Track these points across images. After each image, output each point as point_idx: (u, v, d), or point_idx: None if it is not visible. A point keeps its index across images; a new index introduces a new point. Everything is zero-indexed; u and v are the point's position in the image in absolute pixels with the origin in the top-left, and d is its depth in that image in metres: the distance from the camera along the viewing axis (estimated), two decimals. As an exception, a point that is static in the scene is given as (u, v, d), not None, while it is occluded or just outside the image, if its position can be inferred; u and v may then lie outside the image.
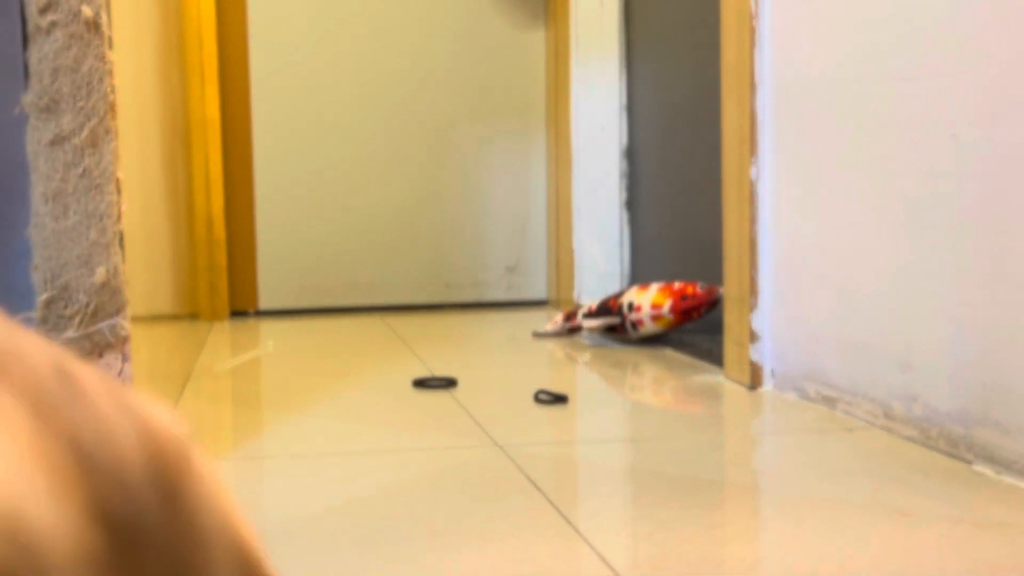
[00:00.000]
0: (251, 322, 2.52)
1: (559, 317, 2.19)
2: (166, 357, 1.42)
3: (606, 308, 2.05)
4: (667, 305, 1.93)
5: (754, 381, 1.59)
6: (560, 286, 2.64)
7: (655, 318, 1.95)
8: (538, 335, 2.20)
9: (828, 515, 1.01)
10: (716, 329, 1.99)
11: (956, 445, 1.18)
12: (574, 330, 2.14)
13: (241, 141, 2.63)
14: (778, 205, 1.55)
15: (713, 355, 1.81)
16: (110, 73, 1.03)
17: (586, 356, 1.94)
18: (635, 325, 1.99)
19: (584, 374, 1.78)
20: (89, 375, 0.30)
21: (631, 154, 2.50)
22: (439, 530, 0.98)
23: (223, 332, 2.37)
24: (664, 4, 2.30)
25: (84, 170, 1.03)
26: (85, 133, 1.02)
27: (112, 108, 1.03)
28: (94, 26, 1.02)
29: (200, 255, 2.55)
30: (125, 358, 1.05)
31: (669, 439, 1.31)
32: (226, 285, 2.61)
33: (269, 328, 2.40)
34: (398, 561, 0.91)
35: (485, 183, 2.71)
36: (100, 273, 1.03)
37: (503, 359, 1.93)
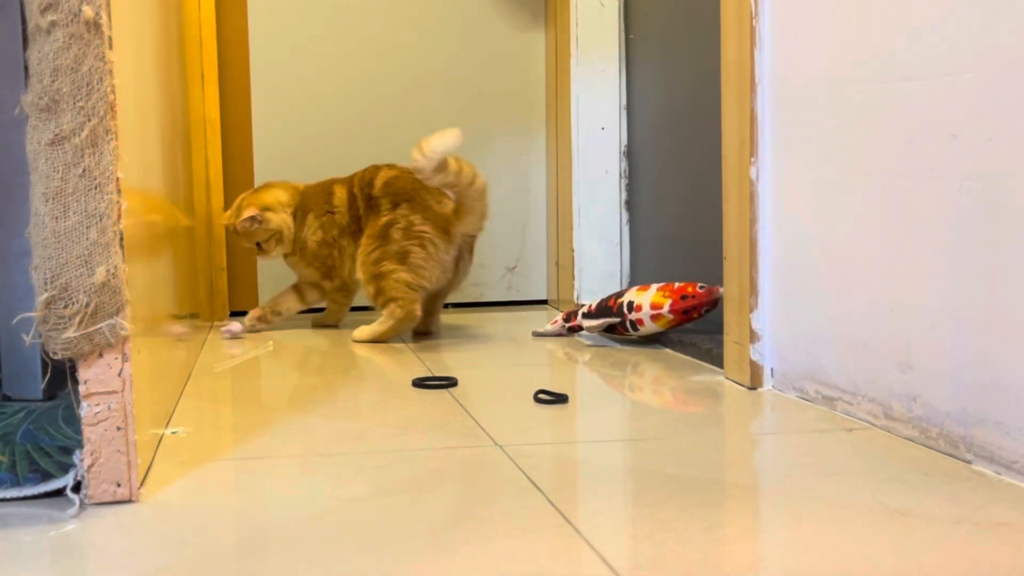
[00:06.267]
0: (251, 322, 2.52)
1: (559, 317, 2.19)
2: (166, 357, 1.42)
3: (606, 308, 2.04)
4: (667, 305, 1.93)
5: (754, 381, 1.59)
6: (560, 286, 2.64)
7: (655, 318, 1.95)
8: (538, 335, 2.20)
9: (828, 515, 1.01)
10: (716, 329, 1.99)
11: (956, 445, 1.18)
12: (574, 330, 2.14)
13: (241, 141, 2.63)
14: (778, 205, 1.55)
15: (713, 355, 1.81)
16: (110, 73, 1.03)
17: (586, 356, 1.94)
18: (635, 325, 1.99)
19: (584, 374, 1.78)
20: None
21: (631, 154, 2.50)
22: (439, 530, 0.98)
23: (223, 332, 2.36)
24: (664, 4, 2.30)
25: (84, 170, 1.03)
26: (85, 133, 1.02)
27: (112, 108, 1.03)
28: (94, 26, 1.02)
29: (200, 255, 2.55)
30: (125, 358, 1.05)
31: (669, 439, 1.31)
32: (226, 285, 2.61)
33: (269, 328, 2.39)
34: (398, 561, 0.91)
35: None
36: (100, 273, 1.03)
37: (503, 359, 1.93)
